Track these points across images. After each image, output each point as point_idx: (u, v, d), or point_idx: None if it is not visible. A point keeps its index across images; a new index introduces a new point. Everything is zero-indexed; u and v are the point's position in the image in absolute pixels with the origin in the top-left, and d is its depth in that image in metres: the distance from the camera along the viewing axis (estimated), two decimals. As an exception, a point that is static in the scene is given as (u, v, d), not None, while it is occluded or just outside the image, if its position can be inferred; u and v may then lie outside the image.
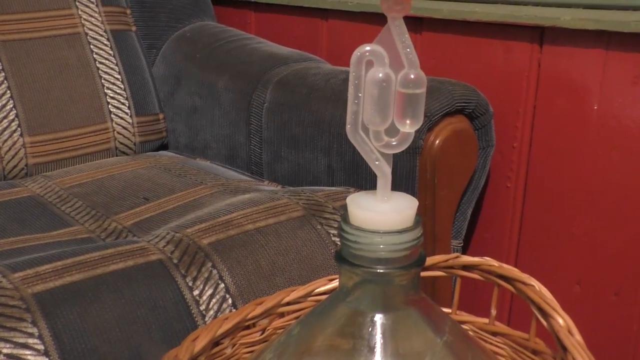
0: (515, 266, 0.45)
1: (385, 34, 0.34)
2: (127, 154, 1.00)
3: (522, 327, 0.46)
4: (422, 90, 0.35)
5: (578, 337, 0.39)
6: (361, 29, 1.03)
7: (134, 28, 1.08)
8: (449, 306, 0.48)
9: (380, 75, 0.34)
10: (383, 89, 0.34)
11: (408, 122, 0.35)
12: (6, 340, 0.46)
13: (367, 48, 0.34)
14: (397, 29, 0.34)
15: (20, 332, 0.47)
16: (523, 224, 0.88)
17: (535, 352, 0.44)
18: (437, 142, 0.75)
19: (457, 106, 0.76)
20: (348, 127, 0.35)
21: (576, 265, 0.83)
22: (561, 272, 0.85)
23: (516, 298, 0.89)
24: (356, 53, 0.34)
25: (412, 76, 0.35)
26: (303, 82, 0.88)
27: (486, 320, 0.47)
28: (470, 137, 0.79)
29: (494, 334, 0.47)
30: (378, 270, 0.36)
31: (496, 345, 0.46)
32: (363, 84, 0.34)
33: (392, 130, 0.36)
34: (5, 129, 0.91)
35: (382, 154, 0.36)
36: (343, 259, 0.37)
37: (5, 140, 0.90)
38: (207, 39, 1.07)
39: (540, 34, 0.81)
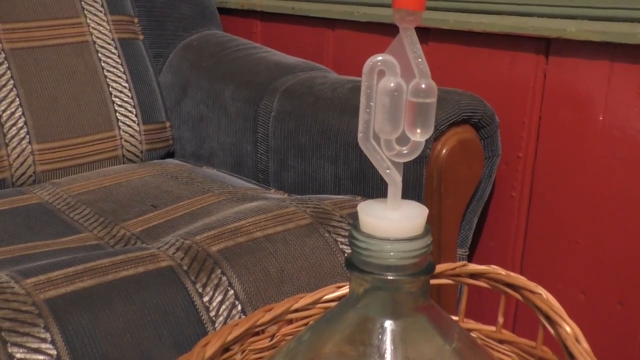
0: (520, 275, 0.46)
1: (397, 44, 0.35)
2: (134, 162, 1.01)
3: (527, 335, 0.47)
4: (433, 100, 0.36)
5: (585, 344, 0.39)
6: (367, 39, 1.03)
7: (141, 37, 1.08)
8: (455, 314, 0.49)
9: (392, 84, 0.35)
10: (394, 98, 0.35)
11: (419, 131, 0.36)
12: (19, 345, 0.47)
13: (379, 58, 0.35)
14: (408, 39, 0.35)
15: (33, 337, 0.48)
16: (528, 233, 0.88)
17: (542, 360, 0.44)
18: (444, 151, 0.75)
19: (463, 116, 0.77)
20: (360, 135, 0.36)
21: (581, 274, 0.83)
22: (566, 281, 0.85)
23: (521, 306, 0.89)
24: (368, 63, 0.35)
25: (423, 86, 0.35)
26: (310, 91, 0.89)
27: (493, 328, 0.48)
28: (476, 147, 0.79)
29: (501, 341, 0.47)
30: (388, 277, 0.36)
31: (503, 353, 0.47)
32: (375, 93, 0.35)
33: (402, 139, 0.36)
34: (14, 137, 0.91)
35: (393, 163, 0.36)
36: (353, 265, 0.37)
37: (14, 148, 0.91)
38: (214, 48, 1.08)
39: (546, 45, 0.82)
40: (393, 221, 0.36)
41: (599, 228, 0.81)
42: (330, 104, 0.84)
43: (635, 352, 0.80)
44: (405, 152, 0.36)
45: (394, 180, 0.37)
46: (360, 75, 1.06)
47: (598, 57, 0.77)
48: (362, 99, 0.35)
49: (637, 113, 0.75)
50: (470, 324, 0.48)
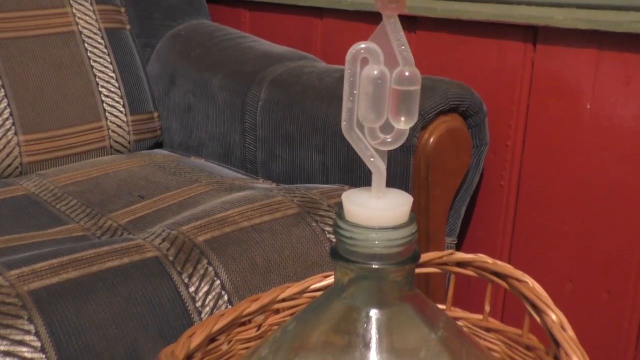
0: (508, 264, 0.46)
1: (380, 31, 0.35)
2: (121, 152, 1.00)
3: (515, 323, 0.47)
4: (417, 88, 0.35)
5: (571, 332, 0.39)
6: (356, 28, 1.03)
7: (128, 26, 1.08)
8: (443, 303, 0.49)
9: (375, 72, 0.34)
10: (378, 86, 0.34)
11: (403, 119, 0.35)
12: (2, 338, 0.46)
13: (362, 46, 0.34)
14: (392, 27, 0.34)
15: (16, 329, 0.47)
16: (516, 222, 0.88)
17: (528, 347, 0.44)
18: (431, 140, 0.75)
19: (451, 104, 0.77)
20: (343, 124, 0.35)
21: (568, 263, 0.84)
22: (554, 270, 0.85)
23: (509, 295, 0.90)
24: (351, 50, 0.34)
25: (406, 73, 0.35)
26: (297, 80, 0.88)
27: (480, 317, 0.48)
28: (464, 136, 0.79)
29: (488, 330, 0.47)
30: (373, 266, 0.36)
31: (490, 341, 0.47)
32: (358, 82, 0.35)
33: (387, 127, 0.36)
34: (-1, 127, 0.91)
35: (377, 151, 0.36)
36: (338, 255, 0.37)
37: (0, 139, 0.90)
38: (202, 38, 1.07)
39: (533, 34, 0.82)
40: (377, 210, 0.36)
41: (587, 217, 0.81)
42: (317, 93, 0.84)
43: (622, 340, 0.81)
44: (389, 140, 0.36)
45: (378, 168, 0.36)
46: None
47: (586, 45, 0.77)
48: (346, 87, 0.35)
49: (624, 101, 0.76)
50: (457, 312, 0.48)
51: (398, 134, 0.36)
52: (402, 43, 0.34)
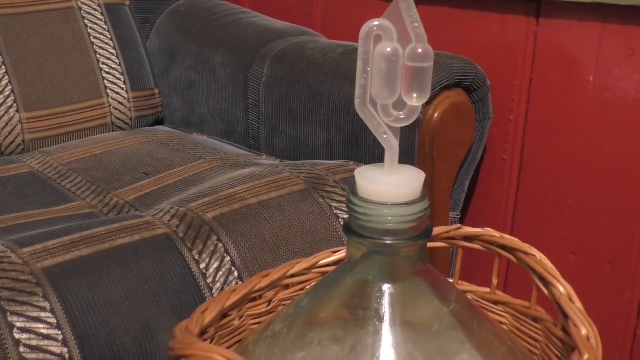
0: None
1: (393, 8, 0.35)
2: (123, 129, 1.00)
3: (518, 296, 0.47)
4: (430, 64, 0.36)
5: (579, 304, 0.40)
6: (356, 3, 1.02)
7: (127, 2, 1.07)
8: (448, 277, 0.49)
9: (389, 49, 0.34)
10: (391, 63, 0.35)
11: (415, 95, 0.36)
12: (19, 315, 0.47)
13: (376, 23, 0.34)
14: (405, 4, 0.34)
15: (32, 306, 0.48)
16: (519, 195, 0.89)
17: (536, 319, 0.45)
18: (436, 115, 0.75)
19: (455, 79, 0.77)
20: (357, 101, 0.36)
21: (571, 235, 0.84)
22: (556, 242, 0.86)
23: (512, 268, 0.91)
24: (365, 28, 0.34)
25: (419, 50, 0.35)
26: (301, 56, 0.88)
27: (487, 290, 0.48)
28: (468, 110, 0.79)
29: (495, 302, 0.48)
30: (386, 242, 0.37)
31: (498, 314, 0.48)
32: (371, 59, 0.35)
33: (399, 104, 0.36)
34: (1, 105, 0.90)
35: (390, 128, 0.36)
36: (351, 230, 0.37)
37: (2, 116, 0.90)
38: (202, 13, 1.07)
39: (536, 7, 0.82)
40: (391, 186, 0.36)
41: (589, 189, 0.82)
42: (321, 68, 0.84)
43: (624, 310, 0.82)
44: (402, 117, 0.36)
45: (391, 145, 0.37)
46: (349, 40, 1.04)
47: (589, 18, 0.77)
48: (359, 65, 0.35)
49: (627, 74, 0.76)
50: (465, 286, 0.49)
51: (411, 111, 0.36)
52: (415, 20, 0.35)
